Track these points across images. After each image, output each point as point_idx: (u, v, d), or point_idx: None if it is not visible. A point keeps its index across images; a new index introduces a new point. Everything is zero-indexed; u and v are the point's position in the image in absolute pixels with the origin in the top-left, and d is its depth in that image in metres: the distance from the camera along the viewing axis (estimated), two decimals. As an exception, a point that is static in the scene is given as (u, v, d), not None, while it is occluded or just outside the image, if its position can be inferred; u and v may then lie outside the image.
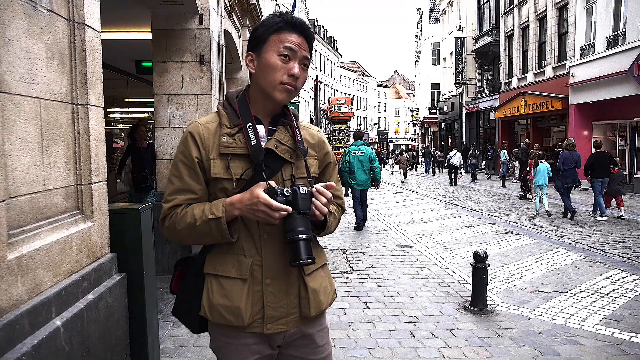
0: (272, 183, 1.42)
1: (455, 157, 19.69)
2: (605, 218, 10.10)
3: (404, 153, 26.58)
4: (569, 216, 10.30)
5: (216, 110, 1.59)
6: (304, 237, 1.38)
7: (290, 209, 1.37)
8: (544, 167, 10.85)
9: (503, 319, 4.30)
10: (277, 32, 1.49)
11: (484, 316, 4.35)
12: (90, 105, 2.35)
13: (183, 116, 5.58)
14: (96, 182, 2.39)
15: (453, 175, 19.88)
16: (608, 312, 4.48)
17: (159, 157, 5.61)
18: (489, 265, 4.51)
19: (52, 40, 2.10)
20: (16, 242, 1.77)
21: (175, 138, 5.57)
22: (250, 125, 1.50)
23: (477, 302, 4.48)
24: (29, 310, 1.77)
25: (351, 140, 18.34)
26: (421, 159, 35.55)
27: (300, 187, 1.42)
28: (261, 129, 1.55)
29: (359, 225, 8.87)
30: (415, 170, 32.58)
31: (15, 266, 1.73)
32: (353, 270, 5.95)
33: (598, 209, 10.27)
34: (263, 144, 1.51)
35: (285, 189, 1.40)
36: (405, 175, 23.39)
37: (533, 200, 11.70)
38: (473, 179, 21.38)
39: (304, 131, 1.62)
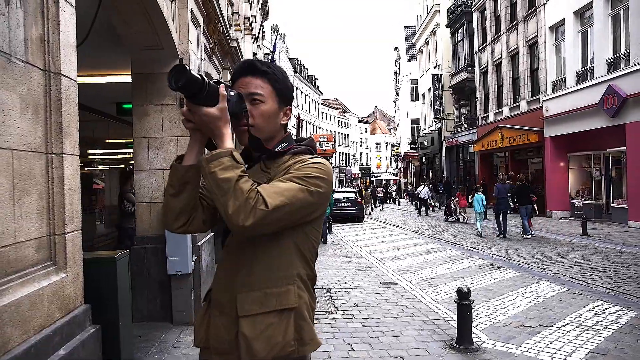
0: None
1: (423, 192, 22.49)
2: (529, 236, 12.36)
3: (369, 189, 28.55)
4: (502, 236, 12.68)
5: None
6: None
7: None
8: (478, 197, 13.43)
9: (489, 356, 4.25)
10: (234, 82, 1.57)
11: (470, 354, 4.29)
12: (65, 154, 2.33)
13: (163, 159, 5.56)
14: (70, 232, 2.34)
15: (422, 207, 22.72)
16: (593, 345, 4.46)
17: (139, 200, 5.54)
18: (473, 302, 4.49)
19: (26, 91, 2.10)
20: (-17, 299, 1.71)
21: (155, 181, 5.52)
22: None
23: (463, 340, 4.43)
24: (-5, 371, 1.69)
25: (334, 176, 19.95)
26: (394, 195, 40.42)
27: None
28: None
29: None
30: (388, 203, 35.08)
31: (-19, 325, 1.66)
32: (337, 310, 5.86)
33: (523, 230, 12.67)
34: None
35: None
36: (372, 210, 24.56)
37: (454, 220, 17.93)
38: (427, 212, 23.16)
39: (284, 162, 1.56)
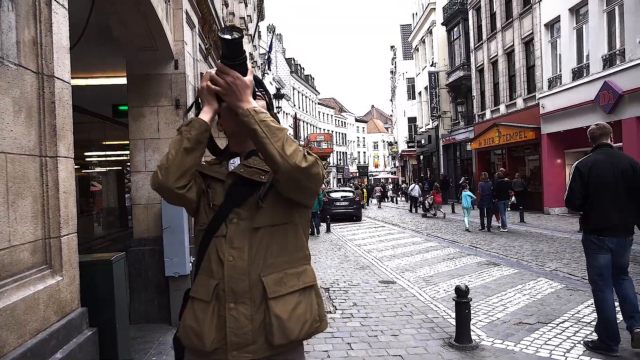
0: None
1: (415, 190, 23.58)
2: (506, 230, 13.50)
3: (359, 188, 30.13)
4: (486, 229, 13.80)
5: None
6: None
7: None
8: (465, 194, 14.44)
9: (488, 354, 4.26)
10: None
11: (469, 352, 4.29)
12: (59, 157, 2.32)
13: (159, 160, 5.55)
14: (66, 235, 2.33)
15: (413, 205, 23.93)
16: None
17: (135, 202, 5.53)
18: (471, 299, 4.49)
19: (19, 94, 2.09)
20: (-23, 303, 1.70)
21: (151, 182, 5.51)
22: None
23: (462, 338, 4.43)
24: (-10, 376, 1.68)
25: (332, 175, 20.36)
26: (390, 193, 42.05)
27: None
28: (236, 160, 1.64)
29: None
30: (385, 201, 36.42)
31: (-24, 330, 1.65)
32: (336, 309, 5.86)
33: (502, 224, 13.76)
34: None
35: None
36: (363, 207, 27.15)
37: (431, 215, 20.18)
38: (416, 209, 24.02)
39: None
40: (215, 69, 1.51)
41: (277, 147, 1.39)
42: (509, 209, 14.57)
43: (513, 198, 15.36)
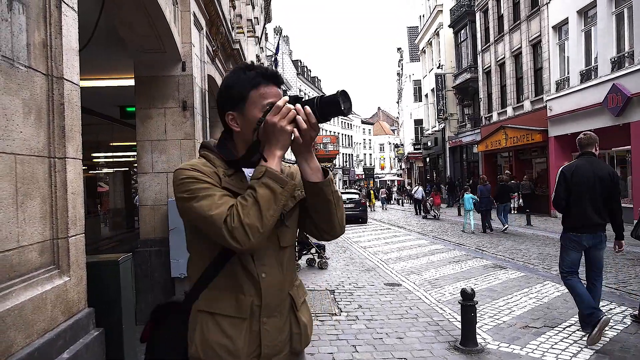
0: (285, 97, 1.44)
1: (418, 192, 23.99)
2: (506, 229, 14.05)
3: (363, 189, 30.54)
4: (487, 231, 14.19)
5: (201, 156, 1.56)
6: (317, 96, 1.39)
7: (287, 97, 1.42)
8: (468, 196, 14.81)
9: (494, 357, 4.24)
10: (255, 87, 1.49)
11: (475, 355, 4.27)
12: (68, 158, 2.34)
13: (166, 161, 5.58)
14: (73, 236, 2.35)
15: (417, 207, 24.42)
16: (598, 346, 4.43)
17: (142, 202, 5.56)
18: (477, 302, 4.48)
19: (29, 96, 2.12)
20: (-14, 303, 1.72)
21: (158, 184, 5.54)
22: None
23: (468, 341, 4.41)
24: (-2, 375, 1.70)
25: (338, 177, 20.40)
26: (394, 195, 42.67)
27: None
28: (251, 171, 1.53)
29: None
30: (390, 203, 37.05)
31: (-15, 329, 1.67)
32: (341, 311, 5.85)
33: (505, 224, 14.25)
34: None
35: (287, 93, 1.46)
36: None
37: (431, 217, 20.77)
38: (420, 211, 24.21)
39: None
40: (293, 108, 1.39)
41: (339, 216, 1.55)
42: (514, 211, 15.34)
43: (520, 200, 16.30)
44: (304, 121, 1.37)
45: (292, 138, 1.40)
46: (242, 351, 1.44)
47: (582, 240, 4.60)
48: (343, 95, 1.34)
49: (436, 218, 20.59)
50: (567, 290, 6.58)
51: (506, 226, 14.18)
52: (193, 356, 1.47)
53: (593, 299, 4.58)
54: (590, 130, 16.70)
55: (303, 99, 1.41)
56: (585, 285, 4.74)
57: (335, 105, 1.34)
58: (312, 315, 5.61)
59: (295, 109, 1.38)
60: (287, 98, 1.40)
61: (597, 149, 4.85)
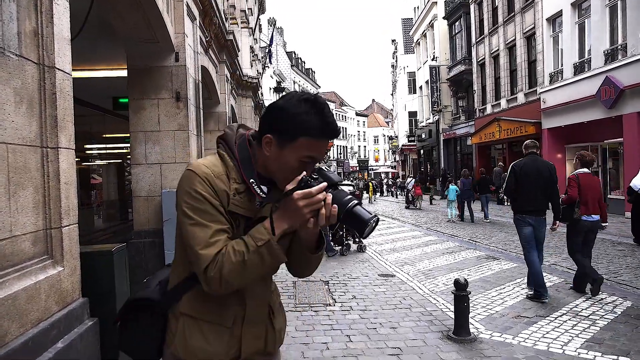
0: (303, 174, 1.35)
1: (411, 184, 24.18)
2: (489, 221, 14.94)
3: (360, 181, 31.18)
4: (470, 220, 15.22)
5: (219, 155, 1.47)
6: (355, 201, 1.32)
7: (325, 183, 1.32)
8: (453, 187, 15.89)
9: (486, 346, 4.28)
10: (309, 136, 1.37)
11: (468, 345, 4.32)
12: (60, 147, 2.33)
13: (160, 152, 5.56)
14: (67, 226, 2.34)
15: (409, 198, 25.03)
16: (589, 335, 4.49)
17: (136, 194, 5.55)
18: (470, 293, 4.52)
19: (20, 85, 2.10)
20: (-21, 292, 1.71)
21: (152, 175, 5.52)
22: (253, 181, 1.43)
23: (460, 331, 4.45)
24: (-8, 364, 1.70)
25: (332, 169, 20.43)
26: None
27: (322, 167, 1.46)
28: (265, 189, 1.46)
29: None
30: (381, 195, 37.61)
31: (-22, 318, 1.67)
32: (335, 302, 5.88)
33: (484, 215, 15.25)
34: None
35: (311, 175, 1.37)
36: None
37: (414, 207, 22.31)
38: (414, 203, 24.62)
39: None
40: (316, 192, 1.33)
41: (310, 270, 1.59)
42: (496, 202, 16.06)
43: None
44: (325, 217, 1.32)
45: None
46: (223, 354, 1.48)
47: (528, 220, 5.78)
48: (375, 222, 1.31)
49: (417, 208, 22.18)
50: (558, 281, 6.69)
51: (490, 219, 15.16)
52: (173, 354, 1.49)
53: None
54: (583, 123, 16.92)
55: (339, 186, 1.36)
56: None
57: (361, 224, 1.29)
58: (307, 305, 5.67)
59: (325, 202, 1.31)
60: (325, 185, 1.32)
61: (538, 150, 6.11)
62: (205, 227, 1.34)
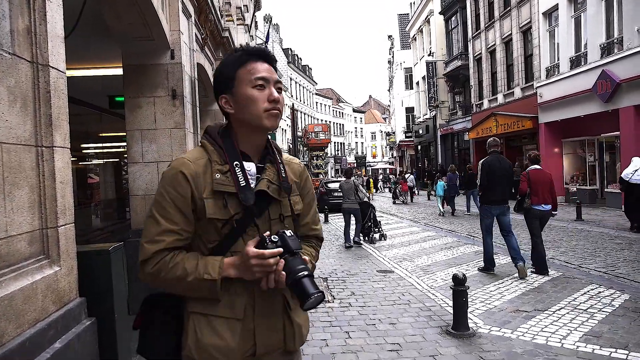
0: (266, 233, 1.41)
1: (409, 179, 24.70)
2: (469, 213, 15.94)
3: (360, 178, 31.23)
4: (452, 213, 16.21)
5: (200, 145, 1.54)
6: (305, 273, 1.35)
7: (280, 249, 1.36)
8: (440, 183, 16.89)
9: (485, 341, 4.29)
10: (242, 65, 1.48)
11: (466, 339, 4.33)
12: (55, 146, 2.31)
13: (157, 151, 5.53)
14: (63, 225, 2.33)
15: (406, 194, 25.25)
16: (587, 328, 4.51)
17: (133, 192, 5.53)
18: (468, 288, 4.52)
19: (14, 83, 2.08)
20: (-25, 293, 1.70)
21: (149, 173, 5.50)
22: (237, 164, 1.46)
23: (459, 326, 4.46)
24: (-11, 365, 1.69)
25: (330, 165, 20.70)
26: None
27: (286, 231, 1.42)
28: (251, 167, 1.51)
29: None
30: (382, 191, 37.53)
31: (-26, 319, 1.66)
32: (334, 299, 5.89)
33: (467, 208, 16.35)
34: (252, 183, 1.47)
35: (272, 237, 1.39)
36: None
37: (400, 202, 23.30)
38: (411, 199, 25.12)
39: (287, 167, 1.60)
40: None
41: None
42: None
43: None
44: (273, 280, 1.38)
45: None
46: (238, 351, 1.44)
47: (492, 210, 6.84)
48: (318, 300, 1.34)
49: (404, 202, 23.13)
50: (557, 275, 6.71)
51: (470, 212, 16.07)
52: (187, 356, 1.46)
53: (511, 247, 6.72)
54: (579, 117, 17.05)
55: (297, 254, 1.39)
56: (509, 242, 6.80)
57: (303, 296, 1.33)
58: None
59: (276, 267, 1.36)
60: (280, 251, 1.37)
61: (500, 147, 6.94)
62: (157, 223, 1.41)
